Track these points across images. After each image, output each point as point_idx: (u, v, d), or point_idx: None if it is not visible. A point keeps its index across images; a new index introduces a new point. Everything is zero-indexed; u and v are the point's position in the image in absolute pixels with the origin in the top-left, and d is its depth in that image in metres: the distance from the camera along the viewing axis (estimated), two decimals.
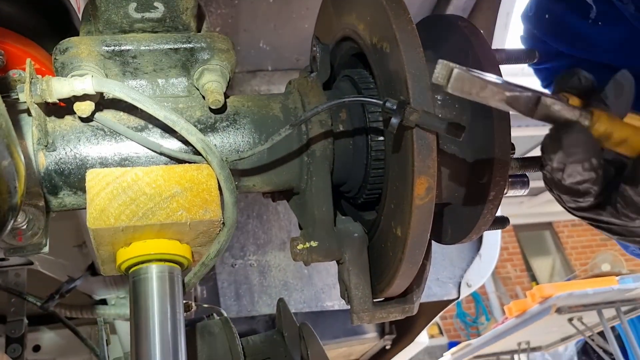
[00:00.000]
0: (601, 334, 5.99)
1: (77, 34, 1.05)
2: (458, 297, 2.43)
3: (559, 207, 0.97)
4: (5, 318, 2.29)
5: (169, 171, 0.88)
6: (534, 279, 11.03)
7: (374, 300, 1.01)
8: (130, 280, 0.88)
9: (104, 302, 2.52)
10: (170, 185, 0.87)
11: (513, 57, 1.03)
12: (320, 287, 2.28)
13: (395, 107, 0.78)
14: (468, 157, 0.98)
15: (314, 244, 0.97)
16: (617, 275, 5.60)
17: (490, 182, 0.95)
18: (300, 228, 1.09)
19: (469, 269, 2.38)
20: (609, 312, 5.40)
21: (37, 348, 2.88)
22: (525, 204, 10.46)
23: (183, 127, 0.86)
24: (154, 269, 0.87)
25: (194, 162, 0.91)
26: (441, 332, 10.46)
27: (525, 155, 1.04)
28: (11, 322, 2.26)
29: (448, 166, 0.98)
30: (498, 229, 1.12)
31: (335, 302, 2.27)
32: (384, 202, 0.95)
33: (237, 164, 0.93)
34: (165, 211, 0.85)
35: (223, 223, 0.90)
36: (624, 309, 5.38)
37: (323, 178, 0.98)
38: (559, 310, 5.22)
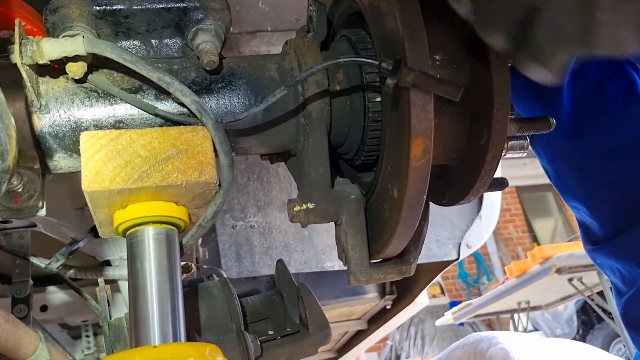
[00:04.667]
0: (600, 293, 6.06)
1: None
2: (458, 258, 2.44)
3: None
4: (10, 279, 2.32)
5: (164, 133, 0.88)
6: (535, 240, 11.10)
7: (371, 261, 1.02)
8: (127, 242, 0.89)
9: (108, 263, 2.55)
10: (165, 147, 0.87)
11: None
12: (320, 248, 2.29)
13: (391, 68, 0.77)
14: (466, 118, 0.96)
15: (310, 205, 0.97)
16: None
17: (488, 143, 0.94)
18: (300, 189, 1.09)
19: (469, 230, 2.39)
20: None
21: (44, 308, 2.93)
22: (528, 166, 10.43)
23: (177, 88, 0.85)
24: (150, 231, 0.88)
25: (190, 124, 0.90)
26: (443, 292, 10.60)
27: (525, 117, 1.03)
28: (16, 283, 2.29)
29: (446, 127, 0.97)
30: (497, 190, 1.11)
31: (336, 263, 2.28)
32: (381, 164, 0.94)
33: (232, 125, 0.92)
34: (160, 173, 0.85)
35: (219, 185, 0.90)
36: None
37: (320, 140, 0.97)
38: (559, 271, 5.27)
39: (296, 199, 0.99)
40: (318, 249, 2.29)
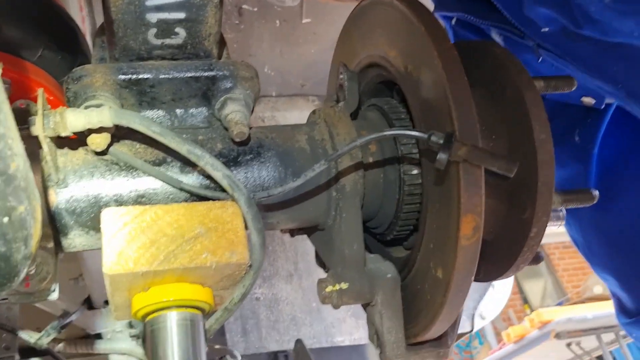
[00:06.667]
0: (600, 358, 5.94)
1: (85, 58, 0.99)
2: (472, 330, 2.35)
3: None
4: None
5: (191, 209, 0.81)
6: (526, 301, 10.96)
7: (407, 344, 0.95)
8: (147, 329, 0.81)
9: (99, 335, 2.42)
10: (192, 225, 0.80)
11: (552, 85, 0.98)
12: (330, 322, 2.18)
13: (442, 142, 0.72)
14: (508, 189, 0.92)
15: (344, 285, 0.90)
16: (609, 298, 5.57)
17: (532, 218, 0.89)
18: (321, 262, 1.02)
19: (483, 300, 2.30)
20: (607, 337, 5.36)
21: None
22: None
23: (208, 161, 0.79)
24: (173, 317, 0.80)
25: (217, 199, 0.84)
26: None
27: (568, 189, 0.99)
28: (2, 358, 2.16)
29: (487, 200, 0.92)
30: (533, 264, 1.06)
31: (346, 337, 2.17)
32: (420, 241, 0.88)
33: (263, 200, 0.86)
34: (188, 254, 0.78)
35: (250, 265, 0.83)
36: (622, 332, 5.34)
37: (354, 214, 0.91)
38: (557, 336, 5.17)
39: (327, 278, 0.92)
40: (327, 322, 2.18)
